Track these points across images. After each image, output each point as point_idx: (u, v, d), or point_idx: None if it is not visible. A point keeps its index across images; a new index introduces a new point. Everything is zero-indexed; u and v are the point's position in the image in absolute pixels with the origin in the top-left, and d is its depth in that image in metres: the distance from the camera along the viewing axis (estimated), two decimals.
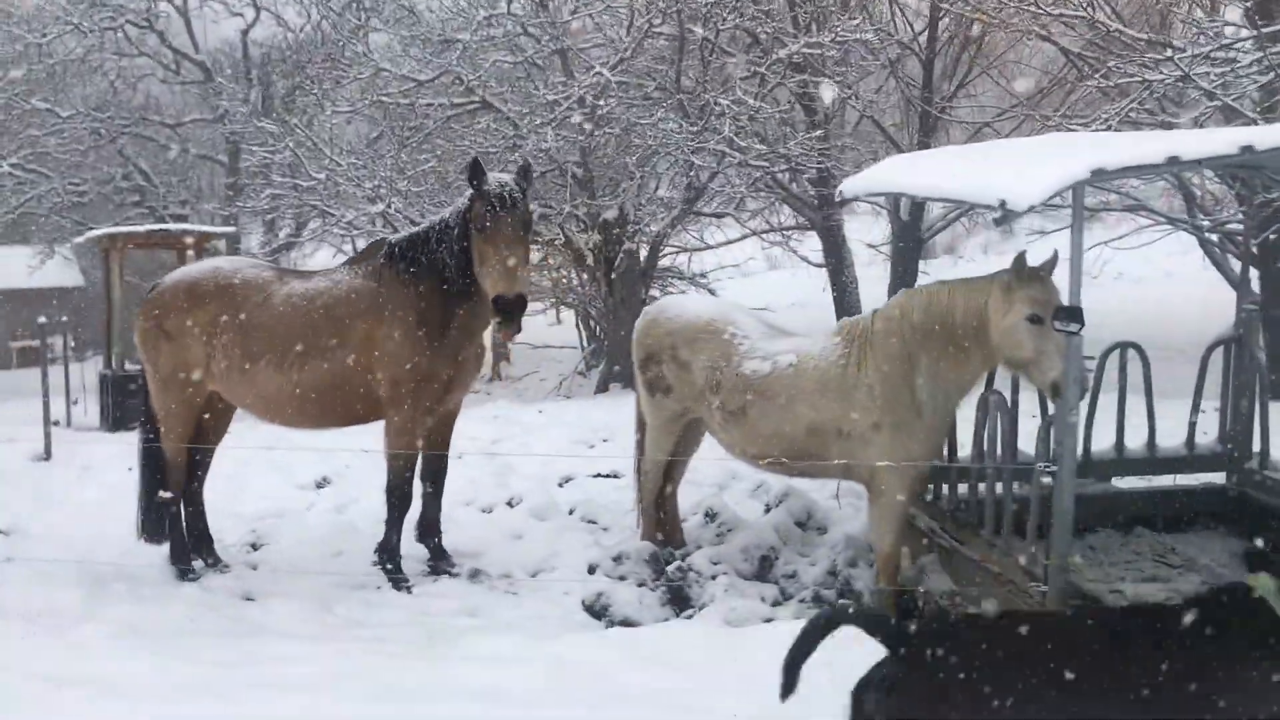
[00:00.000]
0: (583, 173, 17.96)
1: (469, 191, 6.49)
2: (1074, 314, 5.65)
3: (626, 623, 6.51)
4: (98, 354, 32.81)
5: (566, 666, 4.60)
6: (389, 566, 6.86)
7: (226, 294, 6.90)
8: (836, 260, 22.82)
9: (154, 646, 5.06)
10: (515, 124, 16.71)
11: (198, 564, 7.19)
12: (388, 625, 5.97)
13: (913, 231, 22.65)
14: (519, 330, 6.31)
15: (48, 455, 10.31)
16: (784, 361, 6.85)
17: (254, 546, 7.81)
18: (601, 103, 15.85)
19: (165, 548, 7.18)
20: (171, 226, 15.07)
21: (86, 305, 31.80)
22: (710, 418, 7.12)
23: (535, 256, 22.78)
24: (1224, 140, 5.48)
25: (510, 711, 4.00)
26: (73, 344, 31.54)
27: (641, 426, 7.67)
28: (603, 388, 18.43)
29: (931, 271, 24.08)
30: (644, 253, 19.35)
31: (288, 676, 4.45)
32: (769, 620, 6.45)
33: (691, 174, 17.14)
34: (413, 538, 7.19)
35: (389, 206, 15.85)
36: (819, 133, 16.67)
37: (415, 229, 6.91)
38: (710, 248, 21.09)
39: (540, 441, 10.69)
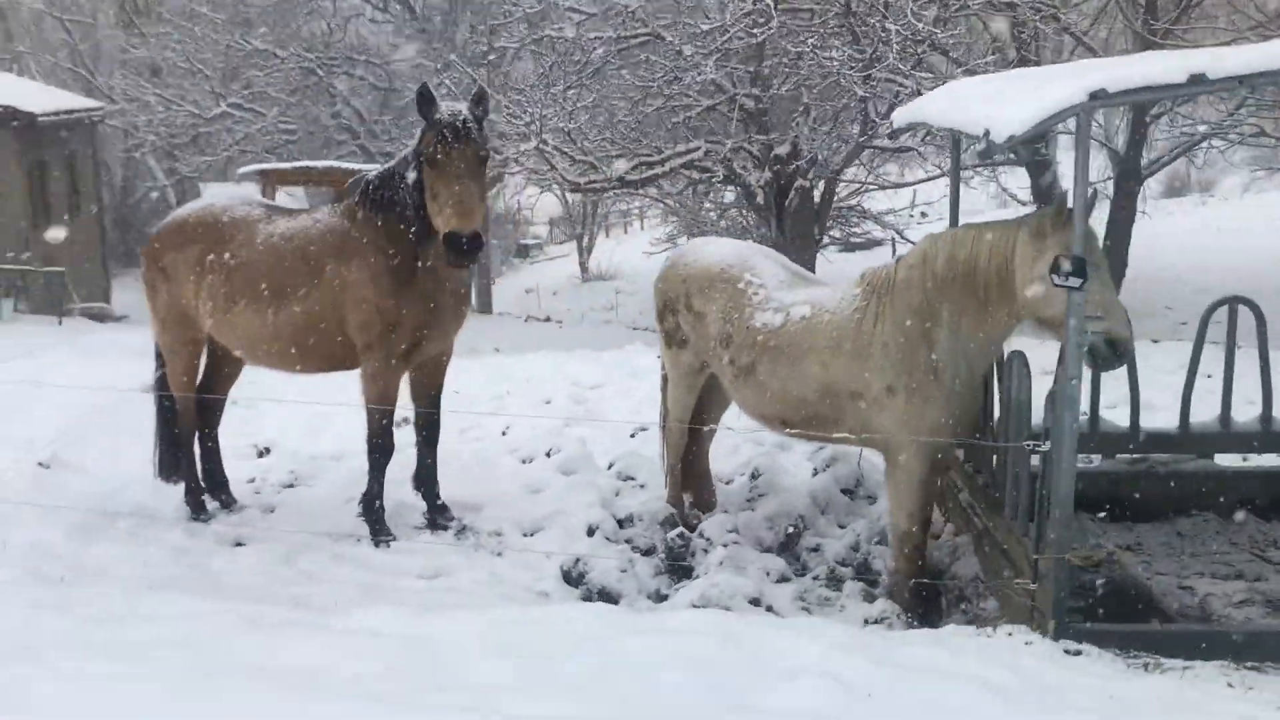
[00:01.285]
0: (754, 105, 17.26)
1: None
2: (1076, 266, 4.77)
3: (604, 593, 6.07)
4: None
5: (419, 649, 4.19)
6: (370, 519, 6.62)
7: (214, 232, 6.74)
8: (1045, 199, 21.16)
9: (57, 596, 4.96)
10: (681, 54, 16.11)
11: (213, 505, 7.17)
12: (333, 583, 5.72)
13: (1132, 166, 20.74)
14: (470, 268, 5.90)
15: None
16: (797, 314, 6.18)
17: (290, 486, 7.75)
18: (757, 32, 15.06)
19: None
20: (314, 164, 15.37)
21: None
22: (722, 373, 6.53)
23: (730, 197, 22.20)
24: (1272, 54, 4.44)
25: (307, 701, 3.64)
26: None
27: (665, 381, 7.14)
28: None
29: (1153, 212, 22.10)
30: (820, 190, 18.52)
31: (129, 640, 4.23)
32: (754, 601, 5.87)
33: (864, 106, 16.11)
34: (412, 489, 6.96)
35: (541, 144, 15.62)
36: (989, 58, 15.30)
37: (388, 164, 6.56)
38: (895, 186, 19.77)
39: (641, 387, 10.29)
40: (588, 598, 6.03)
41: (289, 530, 6.58)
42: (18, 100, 21.59)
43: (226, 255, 6.59)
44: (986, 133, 4.69)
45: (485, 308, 29.18)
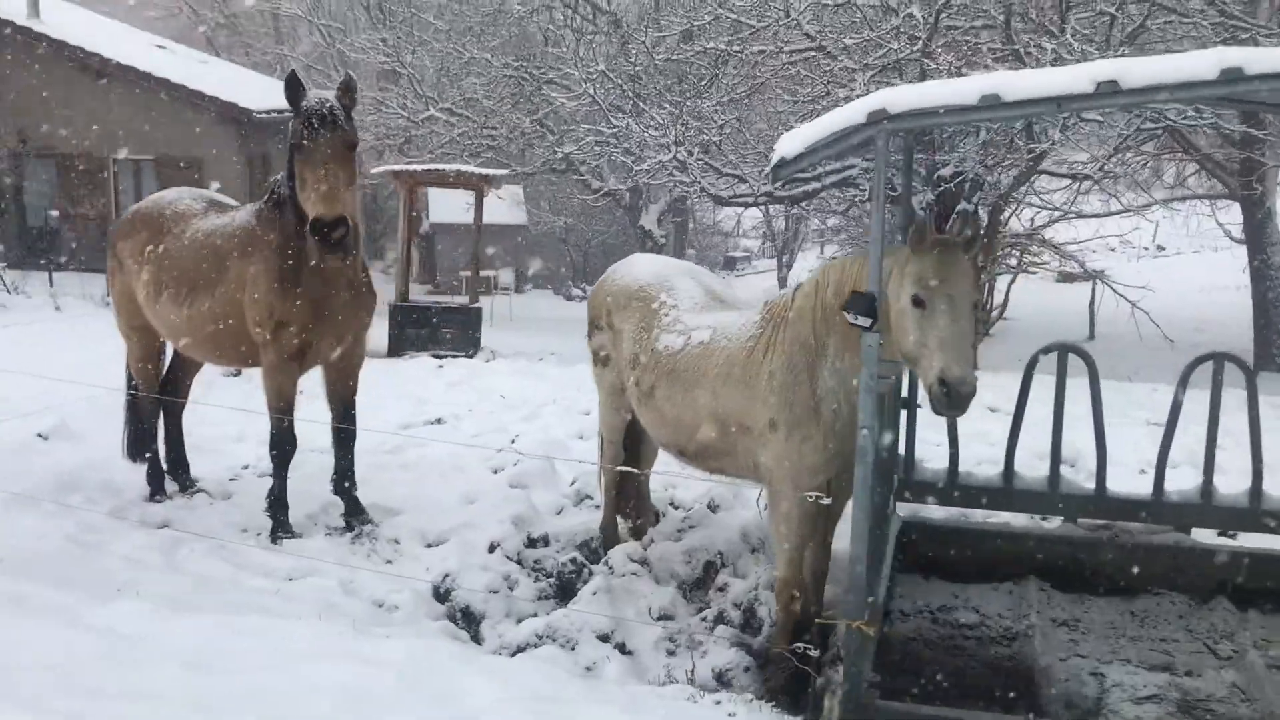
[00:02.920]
0: None
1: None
2: (864, 303, 4.29)
3: (466, 612, 5.92)
4: (539, 286, 35.43)
5: (116, 649, 4.20)
6: (272, 515, 6.66)
7: (155, 224, 6.97)
8: (1257, 238, 19.29)
9: None
10: (834, 62, 15.61)
11: (172, 486, 7.42)
12: (186, 575, 5.75)
13: None
14: (348, 257, 5.91)
15: (237, 372, 11.20)
16: (697, 339, 5.86)
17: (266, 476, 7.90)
18: (900, 49, 14.39)
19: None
20: (443, 166, 15.74)
21: (528, 241, 34.43)
22: (630, 395, 6.26)
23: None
24: (1077, 76, 3.85)
25: None
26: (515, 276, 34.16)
27: None
28: None
29: None
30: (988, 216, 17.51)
31: None
32: (604, 637, 5.57)
33: (1028, 127, 15.10)
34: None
35: (677, 155, 15.52)
36: None
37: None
38: (1080, 215, 18.38)
39: None
40: (450, 616, 5.89)
41: (208, 520, 6.76)
42: (238, 96, 23.17)
43: (161, 247, 6.81)
44: (770, 156, 4.31)
45: None
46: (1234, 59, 3.70)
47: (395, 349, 14.76)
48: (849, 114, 4.08)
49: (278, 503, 6.64)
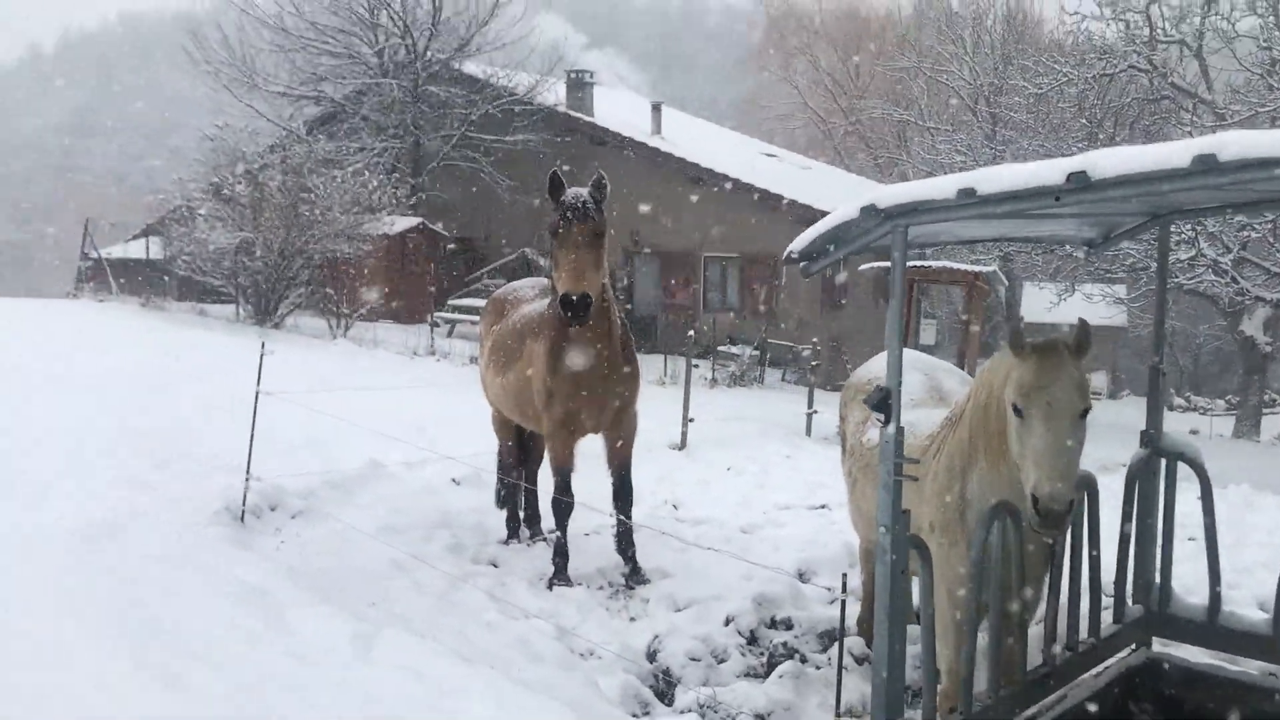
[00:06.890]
0: None
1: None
2: (877, 398, 4.20)
3: (666, 673, 6.27)
4: (1141, 393, 33.03)
5: (225, 627, 5.37)
6: (555, 562, 7.41)
7: (499, 308, 8.17)
8: None
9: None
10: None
11: (524, 534, 8.48)
12: (442, 600, 6.71)
13: None
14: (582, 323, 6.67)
15: (683, 445, 12.31)
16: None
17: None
18: None
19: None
20: (932, 263, 15.63)
21: (1128, 344, 32.43)
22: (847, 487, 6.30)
23: None
24: (1050, 170, 3.58)
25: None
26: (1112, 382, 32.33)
27: None
28: None
29: None
30: None
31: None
32: (760, 716, 5.68)
33: None
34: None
35: (1202, 251, 14.26)
36: None
37: None
38: None
39: None
40: (655, 673, 6.28)
41: (526, 564, 7.72)
42: (815, 199, 24.83)
43: (498, 326, 8.00)
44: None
45: None
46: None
47: None
48: (847, 209, 4.08)
49: (558, 553, 7.46)
